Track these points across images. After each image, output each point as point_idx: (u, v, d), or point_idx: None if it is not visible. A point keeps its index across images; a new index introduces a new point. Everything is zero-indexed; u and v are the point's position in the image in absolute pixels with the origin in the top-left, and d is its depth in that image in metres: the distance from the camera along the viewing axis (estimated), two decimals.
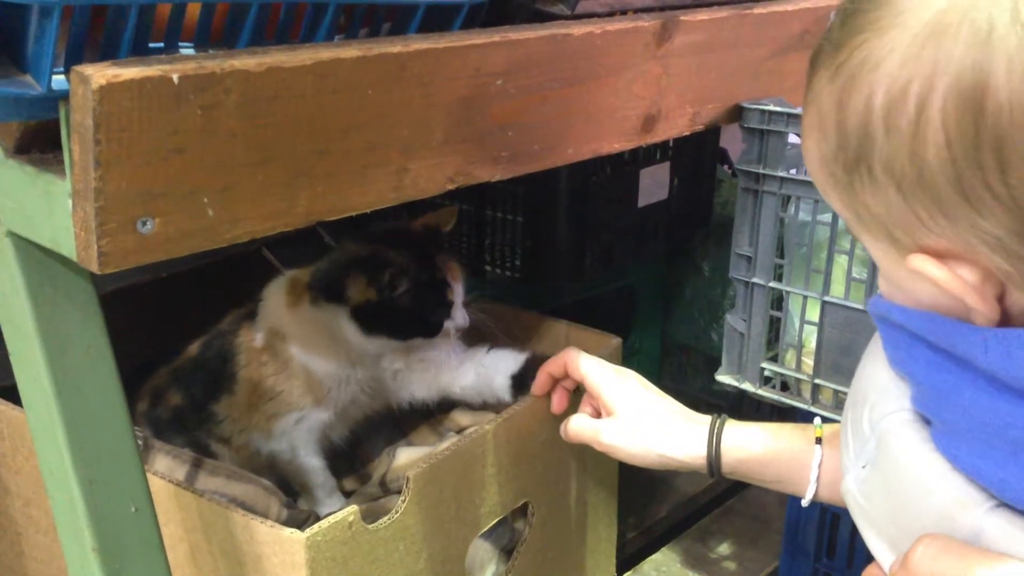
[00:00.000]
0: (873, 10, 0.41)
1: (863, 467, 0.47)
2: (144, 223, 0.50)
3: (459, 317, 0.96)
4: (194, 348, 1.01)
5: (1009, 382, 0.40)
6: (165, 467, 0.87)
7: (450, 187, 0.66)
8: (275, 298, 0.97)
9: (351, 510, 0.74)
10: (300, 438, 0.98)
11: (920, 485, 0.43)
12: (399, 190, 0.63)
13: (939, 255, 0.41)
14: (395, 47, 0.59)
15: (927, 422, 0.45)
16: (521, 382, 0.95)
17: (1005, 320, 0.42)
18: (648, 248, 1.25)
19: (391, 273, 0.91)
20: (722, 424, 0.79)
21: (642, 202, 1.21)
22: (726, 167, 1.41)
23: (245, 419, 0.97)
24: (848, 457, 0.49)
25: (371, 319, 0.93)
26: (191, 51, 0.55)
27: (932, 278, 0.41)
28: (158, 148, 0.50)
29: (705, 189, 1.31)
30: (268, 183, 0.55)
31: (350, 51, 0.57)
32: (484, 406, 1.02)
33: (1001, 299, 0.41)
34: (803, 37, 0.97)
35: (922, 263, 0.42)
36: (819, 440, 0.73)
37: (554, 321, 1.06)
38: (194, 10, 0.53)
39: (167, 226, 0.52)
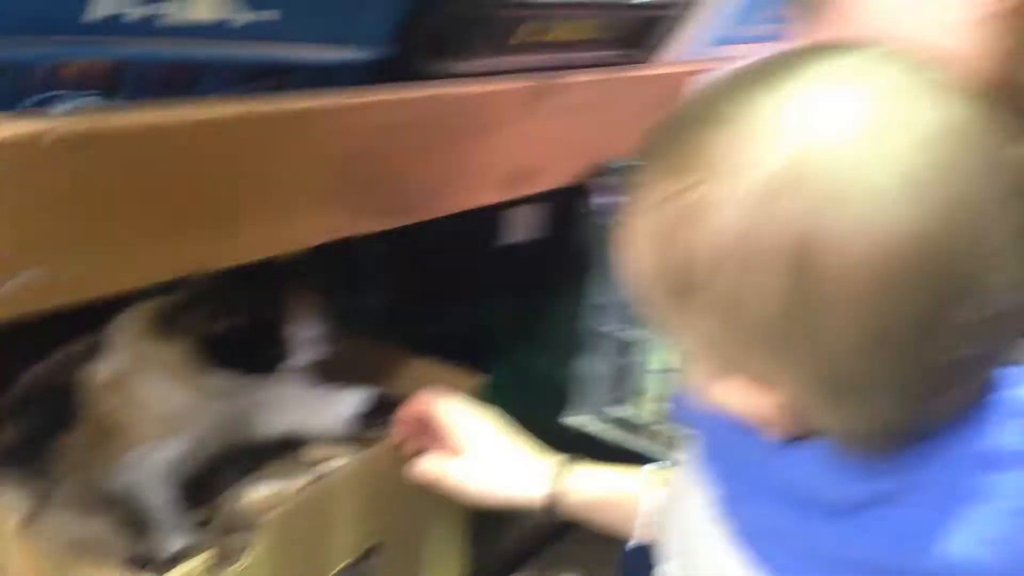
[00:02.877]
0: (708, 151, 0.41)
1: (678, 559, 0.51)
2: (20, 276, 0.49)
3: (301, 354, 0.96)
4: (30, 380, 0.96)
5: (795, 492, 0.44)
6: (10, 503, 0.83)
7: (330, 239, 0.67)
8: (123, 331, 0.95)
9: (201, 559, 0.72)
10: (146, 474, 0.96)
11: None
12: (277, 243, 0.63)
13: (749, 379, 0.44)
14: (281, 105, 0.59)
15: (733, 519, 0.49)
16: (368, 419, 0.97)
17: (802, 435, 0.45)
18: (508, 286, 1.28)
19: (226, 309, 0.91)
20: (565, 467, 0.82)
21: (507, 241, 1.24)
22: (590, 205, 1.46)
23: (91, 453, 0.94)
24: (667, 547, 0.54)
25: (210, 353, 0.92)
26: (71, 101, 0.53)
27: (739, 403, 0.44)
28: (33, 203, 0.48)
29: (566, 228, 1.36)
30: (145, 238, 0.54)
31: (231, 109, 0.57)
32: (337, 440, 1.03)
33: (796, 420, 0.44)
34: (668, 99, 1.03)
35: (733, 386, 0.44)
36: (648, 485, 0.77)
37: (418, 358, 1.07)
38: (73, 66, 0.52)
39: (47, 278, 0.50)
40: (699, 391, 0.48)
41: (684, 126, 0.43)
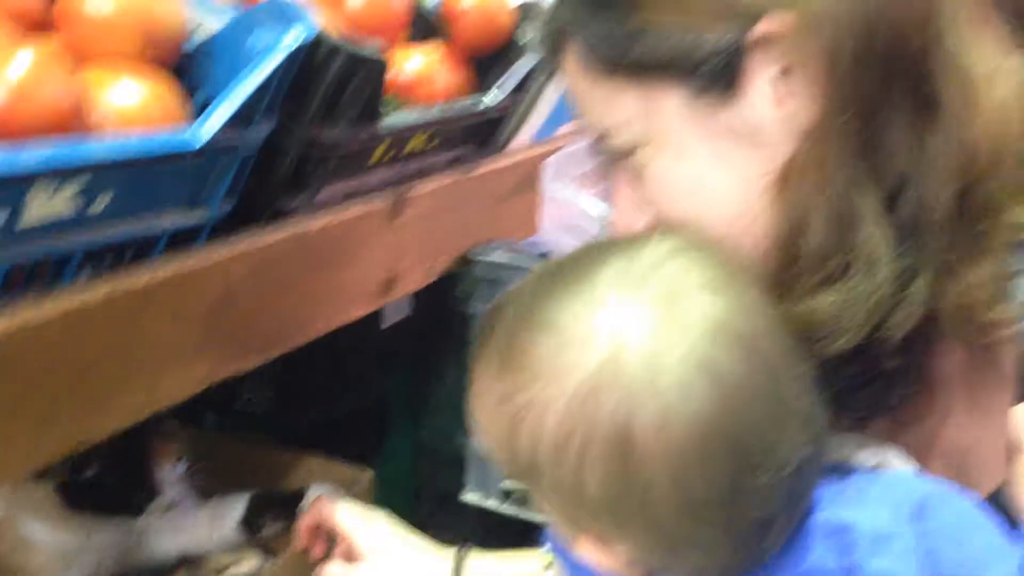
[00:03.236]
0: (533, 357, 0.48)
1: None
2: None
3: (169, 492, 0.99)
4: None
5: None
6: None
7: (203, 387, 0.70)
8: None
9: None
10: None
11: None
12: (152, 404, 0.66)
13: (597, 540, 0.51)
14: (142, 279, 0.62)
15: None
16: (250, 524, 1.00)
17: None
18: (395, 363, 1.32)
19: (81, 455, 0.92)
20: (463, 558, 0.87)
21: (386, 323, 1.27)
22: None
23: None
24: None
25: (74, 498, 0.94)
26: None
27: (590, 560, 0.52)
28: None
29: (443, 299, 1.40)
30: (15, 432, 0.56)
31: (96, 293, 0.59)
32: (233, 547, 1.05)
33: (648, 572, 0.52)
34: (520, 184, 1.09)
35: (585, 546, 0.51)
36: (549, 566, 0.83)
37: (306, 456, 1.10)
38: None
39: None
40: (563, 544, 0.55)
41: (511, 326, 0.51)
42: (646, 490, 0.47)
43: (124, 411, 0.63)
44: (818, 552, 0.49)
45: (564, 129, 1.22)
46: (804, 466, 0.48)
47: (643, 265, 0.49)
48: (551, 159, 1.08)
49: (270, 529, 1.01)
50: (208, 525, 1.01)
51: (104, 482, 0.93)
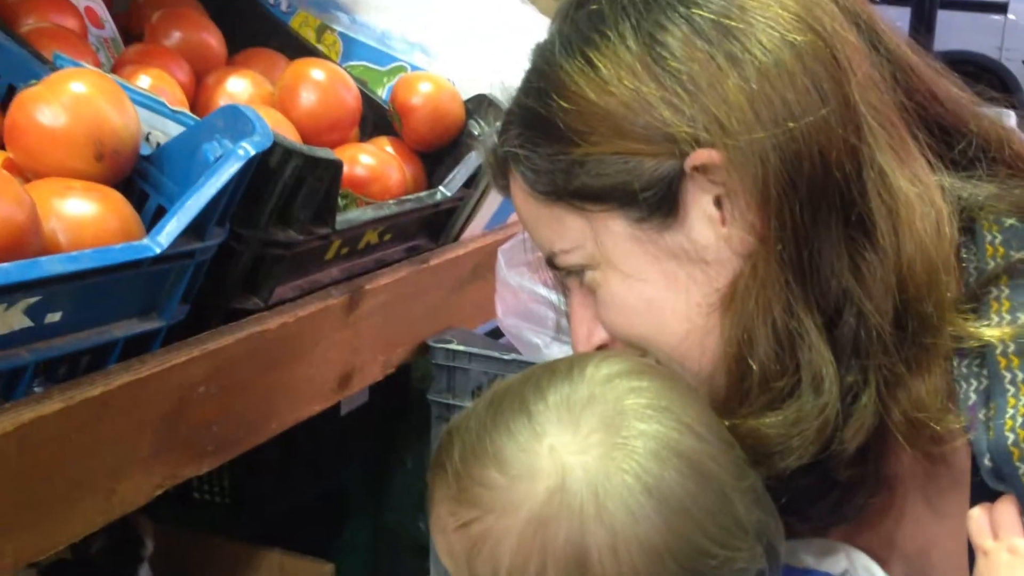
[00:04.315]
0: (484, 489, 0.50)
1: None
2: None
3: (145, 572, 0.98)
4: None
5: None
6: None
7: (159, 492, 0.69)
8: None
9: None
10: None
11: None
12: (108, 511, 0.65)
13: None
14: (96, 388, 0.62)
15: None
16: None
17: None
18: (354, 450, 1.32)
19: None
20: None
21: (344, 410, 1.27)
22: None
23: None
24: None
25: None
26: None
27: None
28: None
29: (400, 385, 1.41)
30: None
31: (52, 405, 0.59)
32: None
33: None
34: (475, 271, 1.11)
35: None
36: None
37: (267, 551, 1.09)
38: None
39: None
40: None
41: (461, 456, 0.52)
42: None
43: (82, 520, 0.62)
44: None
45: (515, 217, 1.24)
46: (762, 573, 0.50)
47: (584, 393, 0.51)
48: (504, 247, 1.10)
49: None
50: None
51: (99, 559, 0.92)
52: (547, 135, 0.57)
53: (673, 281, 0.56)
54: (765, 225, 0.53)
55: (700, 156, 0.53)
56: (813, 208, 0.52)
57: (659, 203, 0.55)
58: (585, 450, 0.49)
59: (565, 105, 0.56)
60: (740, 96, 0.52)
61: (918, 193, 0.54)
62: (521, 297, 1.09)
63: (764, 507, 0.52)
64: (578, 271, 0.60)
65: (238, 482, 1.19)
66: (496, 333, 1.17)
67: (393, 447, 1.41)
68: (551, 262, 0.61)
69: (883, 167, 0.53)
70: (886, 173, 0.53)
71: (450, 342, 1.01)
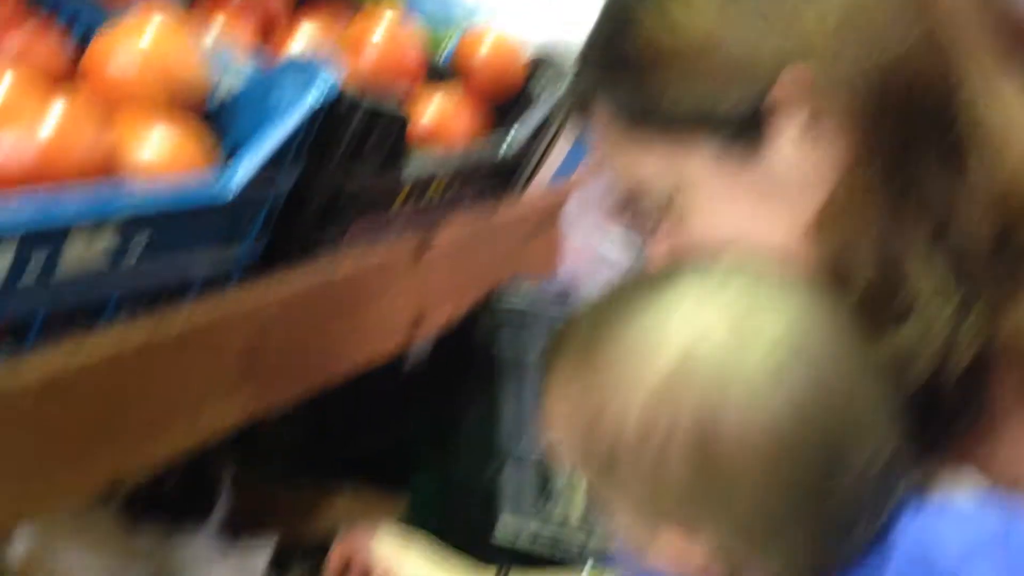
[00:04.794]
0: (608, 362, 0.49)
1: None
2: None
3: (223, 505, 1.01)
4: None
5: None
6: None
7: (240, 423, 0.72)
8: None
9: None
10: None
11: None
12: (193, 435, 0.68)
13: (677, 538, 0.51)
14: (177, 323, 0.65)
15: None
16: (277, 570, 1.02)
17: None
18: (420, 400, 1.34)
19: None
20: None
21: (409, 364, 1.29)
22: None
23: None
24: None
25: (141, 509, 0.95)
26: None
27: (671, 558, 0.51)
28: None
29: (466, 335, 1.42)
30: (62, 468, 0.59)
31: (135, 337, 0.62)
32: None
33: (724, 570, 0.52)
34: (541, 223, 1.12)
35: (664, 542, 0.51)
36: None
37: (338, 488, 1.12)
38: None
39: None
40: (634, 550, 0.55)
41: (587, 333, 0.52)
42: (729, 486, 0.47)
43: (171, 440, 0.65)
44: (897, 572, 0.50)
45: (580, 171, 1.25)
46: (889, 469, 0.49)
47: (719, 273, 0.51)
48: (570, 201, 1.11)
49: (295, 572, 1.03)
50: (236, 569, 1.03)
51: (174, 494, 0.96)
52: (624, 68, 0.57)
53: (762, 208, 0.55)
54: (856, 149, 0.52)
55: (787, 80, 0.52)
56: (906, 130, 0.51)
57: (745, 128, 0.54)
58: (719, 321, 0.48)
59: (644, 35, 0.56)
60: (827, 19, 0.51)
61: (1015, 115, 0.52)
62: (586, 252, 1.10)
63: (894, 406, 0.50)
64: (662, 206, 0.59)
65: (307, 432, 1.23)
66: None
67: (457, 402, 1.44)
68: (631, 198, 0.61)
69: (978, 87, 0.52)
70: (981, 94, 0.52)
71: (515, 294, 1.02)
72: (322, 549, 0.97)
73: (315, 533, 1.06)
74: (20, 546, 0.94)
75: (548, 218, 1.12)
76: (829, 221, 0.54)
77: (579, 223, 1.09)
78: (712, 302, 0.49)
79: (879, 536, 0.51)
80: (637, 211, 0.65)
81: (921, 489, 0.53)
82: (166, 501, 0.98)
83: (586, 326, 0.52)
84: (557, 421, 0.53)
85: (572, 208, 1.08)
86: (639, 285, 0.53)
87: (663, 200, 0.59)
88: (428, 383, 1.34)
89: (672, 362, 0.48)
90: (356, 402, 1.22)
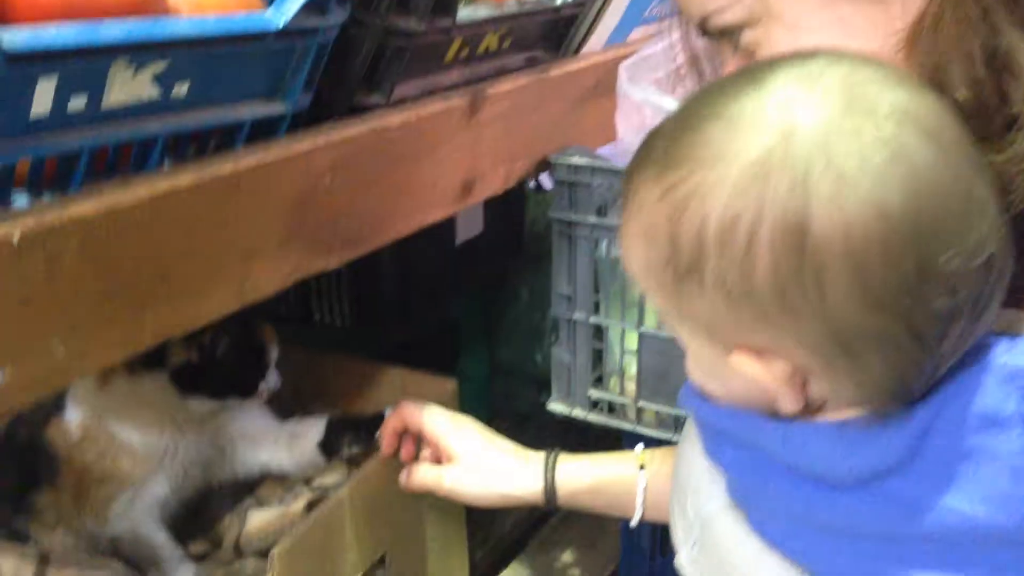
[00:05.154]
0: (698, 145, 0.45)
1: (692, 546, 0.55)
2: None
3: (272, 379, 0.99)
4: None
5: (805, 470, 0.48)
6: (11, 568, 0.84)
7: (290, 282, 0.69)
8: (83, 380, 0.96)
9: None
10: (138, 516, 0.98)
11: (743, 566, 0.51)
12: (241, 295, 0.65)
13: (755, 351, 0.46)
14: (227, 167, 0.61)
15: (746, 505, 0.53)
16: (329, 446, 1.01)
17: (805, 410, 0.49)
18: (469, 282, 1.31)
19: (212, 334, 0.93)
20: (555, 459, 0.86)
21: (460, 239, 1.26)
22: (531, 185, 1.48)
23: (75, 506, 0.95)
24: (678, 536, 0.57)
25: (191, 380, 0.94)
26: (24, 198, 0.55)
27: (749, 374, 0.47)
28: (3, 301, 0.50)
29: (515, 217, 1.39)
30: (113, 315, 0.56)
31: (184, 179, 0.58)
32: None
33: (804, 388, 0.48)
34: (596, 88, 1.06)
35: (740, 361, 0.47)
36: (642, 466, 0.81)
37: (388, 368, 1.10)
38: (24, 161, 0.54)
39: (18, 374, 0.52)
40: (705, 382, 0.52)
41: (671, 130, 0.47)
42: (820, 272, 0.43)
43: (219, 297, 0.63)
44: (993, 393, 0.45)
45: (636, 34, 1.18)
46: (992, 263, 0.44)
47: (820, 62, 0.46)
48: (626, 62, 1.04)
49: (348, 452, 1.02)
50: (287, 445, 1.02)
51: (225, 362, 0.94)
52: None
53: (849, 27, 0.50)
54: None
55: None
56: None
57: None
58: (819, 105, 0.44)
59: None
60: None
61: None
62: (644, 113, 1.04)
63: (997, 198, 0.46)
64: (735, 32, 0.54)
65: (357, 307, 1.20)
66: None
67: (508, 280, 1.40)
68: (704, 28, 0.56)
69: None
70: None
71: (571, 159, 0.97)
72: (373, 425, 0.96)
73: (364, 413, 1.04)
74: (76, 413, 0.94)
75: (602, 81, 1.05)
76: (921, 37, 0.49)
77: (635, 89, 1.03)
78: (816, 83, 0.44)
79: (971, 356, 0.47)
80: (711, 45, 0.60)
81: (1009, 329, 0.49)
82: (216, 379, 0.96)
83: (668, 131, 0.47)
84: (635, 233, 0.48)
85: (628, 73, 1.02)
86: (731, 80, 0.47)
87: (738, 27, 0.53)
88: (477, 261, 1.31)
89: (762, 148, 0.43)
90: (406, 282, 1.19)
